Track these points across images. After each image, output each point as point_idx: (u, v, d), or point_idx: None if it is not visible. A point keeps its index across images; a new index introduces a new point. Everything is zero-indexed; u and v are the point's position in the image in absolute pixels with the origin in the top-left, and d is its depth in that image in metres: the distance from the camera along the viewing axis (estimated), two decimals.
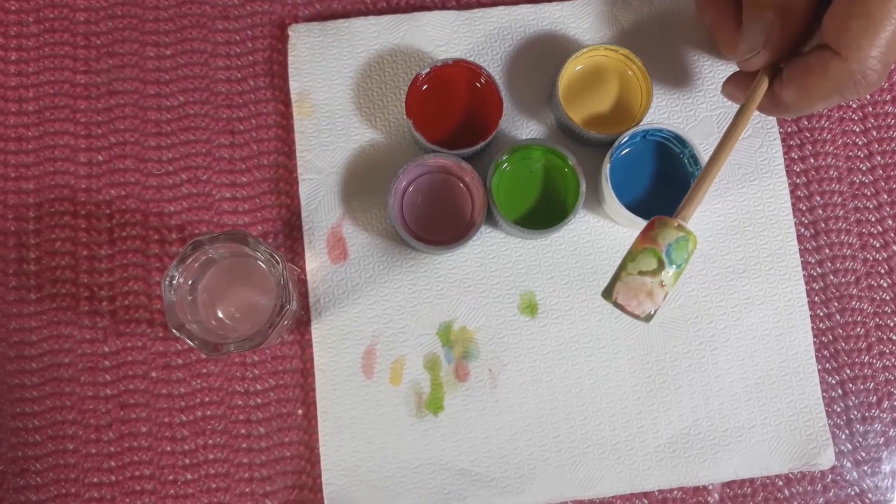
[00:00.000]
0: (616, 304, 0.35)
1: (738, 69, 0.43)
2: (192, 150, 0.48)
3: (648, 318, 0.35)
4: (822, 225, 0.48)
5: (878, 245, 0.48)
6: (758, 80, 0.39)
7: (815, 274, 0.47)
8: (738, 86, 0.43)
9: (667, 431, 0.45)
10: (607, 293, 0.36)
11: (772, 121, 0.48)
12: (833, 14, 0.36)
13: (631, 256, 0.36)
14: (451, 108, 0.46)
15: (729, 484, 0.46)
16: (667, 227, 0.36)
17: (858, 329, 0.47)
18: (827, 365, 0.47)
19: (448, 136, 0.46)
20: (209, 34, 0.49)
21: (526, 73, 0.48)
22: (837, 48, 0.36)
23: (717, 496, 0.46)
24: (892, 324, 0.47)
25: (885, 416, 0.46)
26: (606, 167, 0.44)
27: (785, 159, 0.48)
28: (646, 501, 0.46)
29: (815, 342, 0.47)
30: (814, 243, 0.48)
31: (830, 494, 0.46)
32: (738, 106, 0.40)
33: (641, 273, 0.35)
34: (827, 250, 0.48)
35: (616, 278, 0.36)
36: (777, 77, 0.39)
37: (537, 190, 0.46)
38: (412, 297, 0.46)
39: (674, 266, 0.35)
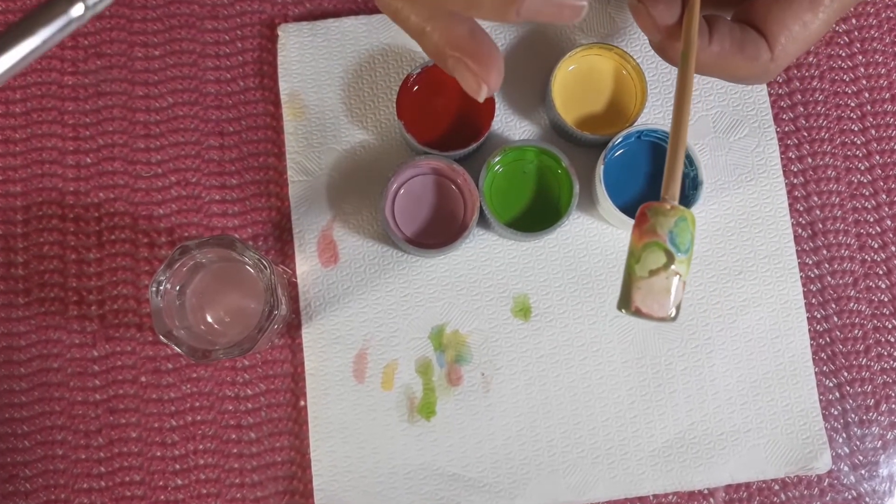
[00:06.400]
0: (637, 314, 0.32)
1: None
2: (182, 152, 0.47)
3: (675, 317, 0.32)
4: (820, 226, 0.47)
5: (876, 246, 0.47)
6: (695, 27, 0.35)
7: (812, 275, 0.47)
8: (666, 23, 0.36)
9: (662, 435, 0.45)
10: (624, 304, 0.32)
11: (769, 120, 0.47)
12: (785, 16, 0.36)
13: (635, 258, 0.32)
14: (442, 109, 0.45)
15: (724, 488, 0.45)
16: (661, 213, 0.32)
17: (856, 331, 0.46)
18: (824, 368, 0.46)
19: (440, 138, 0.45)
20: (198, 34, 0.48)
21: (519, 73, 0.47)
22: (773, 47, 0.36)
23: (712, 501, 0.45)
24: (890, 326, 0.47)
25: (882, 419, 0.46)
26: (600, 168, 0.43)
27: (782, 159, 0.47)
28: None
29: (812, 344, 0.46)
30: (811, 244, 0.47)
31: (827, 498, 0.45)
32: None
33: (652, 272, 0.32)
34: (824, 251, 0.47)
35: (628, 286, 0.32)
36: (703, 31, 0.36)
37: (530, 192, 0.45)
38: (404, 301, 0.46)
39: (682, 253, 0.32)
